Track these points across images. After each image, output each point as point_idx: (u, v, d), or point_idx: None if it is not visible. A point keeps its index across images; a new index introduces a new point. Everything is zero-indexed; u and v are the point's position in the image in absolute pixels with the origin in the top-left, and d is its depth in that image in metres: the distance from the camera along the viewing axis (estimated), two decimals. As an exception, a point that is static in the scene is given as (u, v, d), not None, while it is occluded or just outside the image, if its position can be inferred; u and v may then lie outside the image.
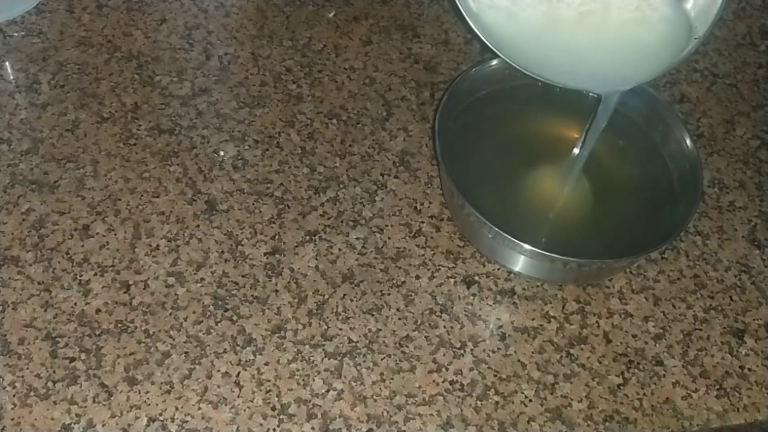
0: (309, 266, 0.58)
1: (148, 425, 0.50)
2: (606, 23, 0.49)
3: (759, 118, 0.71)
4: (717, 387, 0.56)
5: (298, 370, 0.54)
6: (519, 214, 0.60)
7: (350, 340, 0.55)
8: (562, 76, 0.53)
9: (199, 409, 0.51)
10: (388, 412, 0.53)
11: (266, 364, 0.54)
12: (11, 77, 0.65)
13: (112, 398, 0.51)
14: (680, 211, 0.58)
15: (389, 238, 0.60)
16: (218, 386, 0.52)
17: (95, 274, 0.56)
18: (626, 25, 0.49)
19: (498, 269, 0.60)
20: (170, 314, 0.55)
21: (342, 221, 0.61)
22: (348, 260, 0.59)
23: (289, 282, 0.57)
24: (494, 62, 0.63)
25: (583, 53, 0.51)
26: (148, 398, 0.51)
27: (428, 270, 0.59)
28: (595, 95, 0.57)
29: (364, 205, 0.62)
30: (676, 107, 0.71)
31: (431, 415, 0.53)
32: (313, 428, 0.51)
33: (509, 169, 0.61)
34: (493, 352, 0.56)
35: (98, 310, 0.54)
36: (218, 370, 0.53)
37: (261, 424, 0.51)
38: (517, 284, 0.59)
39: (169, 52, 0.68)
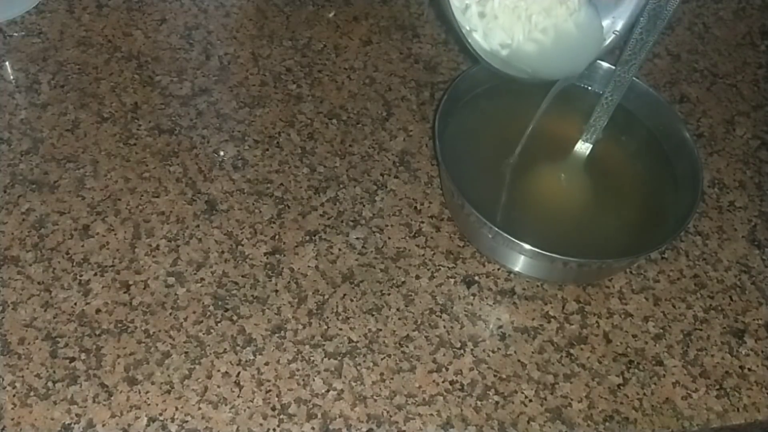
0: (309, 266, 0.58)
1: (148, 425, 0.50)
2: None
3: (759, 118, 0.71)
4: (717, 387, 0.56)
5: (298, 370, 0.54)
6: (519, 214, 0.60)
7: (350, 340, 0.55)
8: (521, 70, 0.57)
9: (199, 409, 0.51)
10: (388, 412, 0.53)
11: (266, 364, 0.54)
12: (11, 77, 0.65)
13: (112, 398, 0.51)
14: (680, 211, 0.58)
15: (389, 238, 0.60)
16: (218, 386, 0.52)
17: (95, 274, 0.56)
18: (554, 8, 0.55)
19: (498, 269, 0.60)
20: (170, 314, 0.55)
21: (342, 221, 0.61)
22: (348, 260, 0.59)
23: (289, 282, 0.57)
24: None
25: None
26: (148, 398, 0.51)
27: (428, 270, 0.59)
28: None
29: (364, 205, 0.62)
30: (676, 107, 0.71)
31: (431, 415, 0.53)
32: (313, 428, 0.51)
33: (509, 169, 0.61)
34: (493, 352, 0.56)
35: (98, 310, 0.54)
36: (218, 370, 0.53)
37: (261, 424, 0.51)
38: (517, 284, 0.59)
39: (169, 52, 0.68)
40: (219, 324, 0.55)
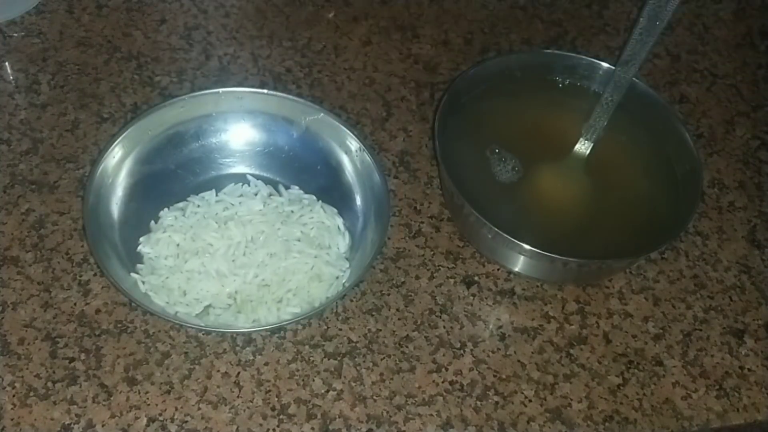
0: (309, 266, 0.58)
1: (148, 425, 0.50)
2: None
3: (759, 118, 0.71)
4: (717, 387, 0.56)
5: (298, 370, 0.53)
6: (519, 214, 0.59)
7: (350, 340, 0.55)
8: None
9: (199, 409, 0.51)
10: (388, 412, 0.53)
11: (266, 364, 0.54)
12: (11, 77, 0.65)
13: (112, 398, 0.51)
14: (680, 211, 0.58)
15: (389, 238, 0.60)
16: (218, 386, 0.52)
17: (95, 274, 0.56)
18: None
19: (498, 269, 0.59)
20: (170, 314, 0.55)
21: (342, 221, 0.60)
22: (348, 260, 0.59)
23: (289, 282, 0.57)
24: (493, 62, 0.63)
25: None
26: (148, 398, 0.51)
27: (428, 270, 0.59)
28: None
29: (364, 205, 0.62)
30: (676, 107, 0.71)
31: (431, 415, 0.53)
32: (312, 428, 0.51)
33: (509, 169, 0.61)
34: (493, 352, 0.56)
35: (98, 310, 0.54)
36: (218, 370, 0.53)
37: (261, 424, 0.51)
38: (517, 284, 0.59)
39: (169, 52, 0.68)
40: (219, 324, 0.55)
